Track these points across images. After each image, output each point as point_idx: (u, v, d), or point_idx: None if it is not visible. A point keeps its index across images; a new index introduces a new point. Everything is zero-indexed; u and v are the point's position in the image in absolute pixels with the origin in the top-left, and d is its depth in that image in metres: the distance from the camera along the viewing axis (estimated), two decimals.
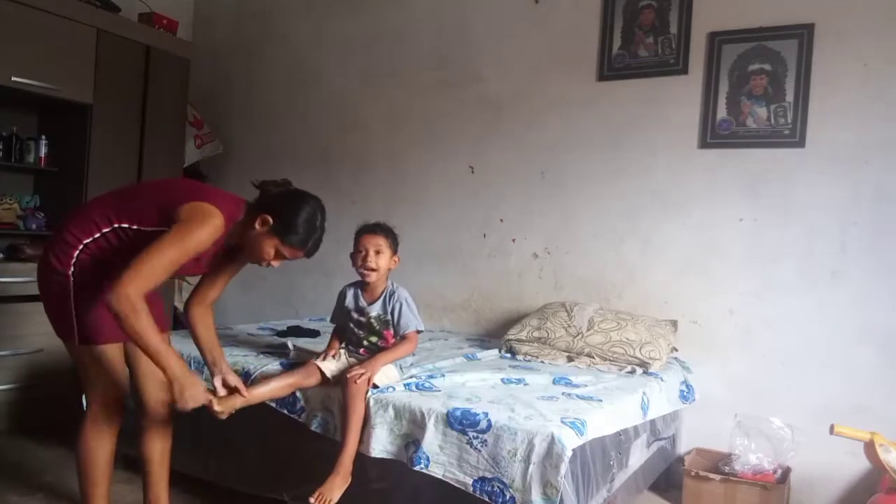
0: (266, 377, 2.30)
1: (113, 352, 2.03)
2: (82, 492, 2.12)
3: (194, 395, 1.90)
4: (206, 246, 1.92)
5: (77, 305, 1.94)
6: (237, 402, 2.09)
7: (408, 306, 2.34)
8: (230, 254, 2.13)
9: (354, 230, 2.39)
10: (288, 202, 2.03)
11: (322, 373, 2.29)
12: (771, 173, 2.98)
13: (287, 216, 1.99)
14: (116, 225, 1.95)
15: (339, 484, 2.05)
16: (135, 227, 1.95)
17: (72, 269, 1.93)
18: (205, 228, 1.88)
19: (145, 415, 2.16)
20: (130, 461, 2.46)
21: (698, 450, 2.97)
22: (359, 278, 2.37)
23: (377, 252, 2.29)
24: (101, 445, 2.08)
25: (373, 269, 2.30)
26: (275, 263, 2.06)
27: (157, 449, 2.19)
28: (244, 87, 4.46)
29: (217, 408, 2.00)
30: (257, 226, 1.99)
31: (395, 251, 2.35)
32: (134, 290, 1.76)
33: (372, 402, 2.13)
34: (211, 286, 2.22)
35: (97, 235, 1.95)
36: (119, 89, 3.67)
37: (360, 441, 2.11)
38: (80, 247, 1.94)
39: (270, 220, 1.98)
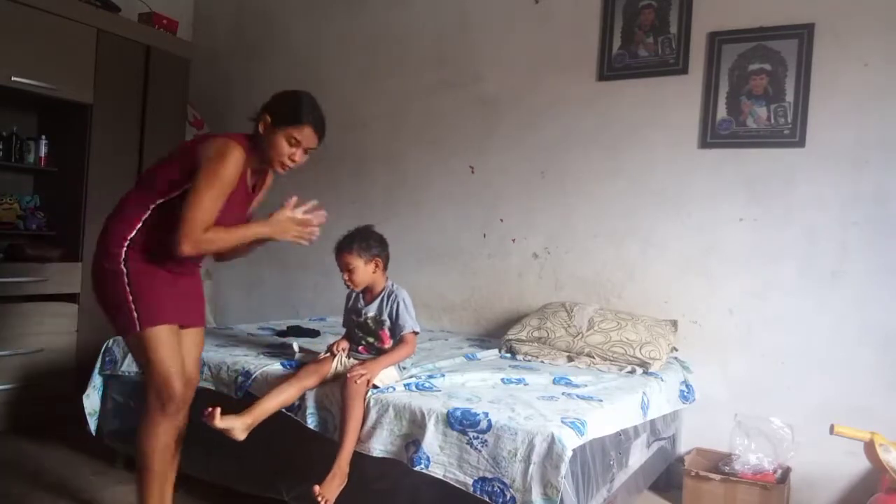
0: (271, 388, 2.27)
1: (173, 335, 2.08)
2: (144, 494, 2.11)
3: (285, 225, 2.10)
4: (236, 177, 2.02)
5: (133, 291, 2.01)
6: (248, 420, 2.10)
7: (405, 307, 2.34)
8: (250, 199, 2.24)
9: (353, 230, 2.38)
10: (279, 98, 2.15)
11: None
12: (771, 173, 2.98)
13: (283, 106, 2.11)
14: (152, 205, 2.05)
15: (336, 484, 2.06)
16: (165, 199, 2.04)
17: (122, 259, 2.02)
18: (230, 159, 2.00)
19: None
20: (130, 461, 2.46)
21: (698, 450, 2.97)
22: None
23: (349, 271, 2.32)
24: (168, 444, 2.12)
25: (351, 285, 2.35)
26: (298, 158, 2.13)
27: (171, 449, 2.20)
28: (244, 87, 4.46)
29: (221, 425, 2.02)
30: (261, 129, 2.10)
31: (372, 256, 2.32)
32: (192, 238, 1.93)
33: (372, 402, 2.14)
34: None
35: (139, 226, 2.05)
36: (119, 89, 3.67)
37: (360, 441, 2.12)
38: (126, 244, 2.03)
39: (269, 118, 2.09)
